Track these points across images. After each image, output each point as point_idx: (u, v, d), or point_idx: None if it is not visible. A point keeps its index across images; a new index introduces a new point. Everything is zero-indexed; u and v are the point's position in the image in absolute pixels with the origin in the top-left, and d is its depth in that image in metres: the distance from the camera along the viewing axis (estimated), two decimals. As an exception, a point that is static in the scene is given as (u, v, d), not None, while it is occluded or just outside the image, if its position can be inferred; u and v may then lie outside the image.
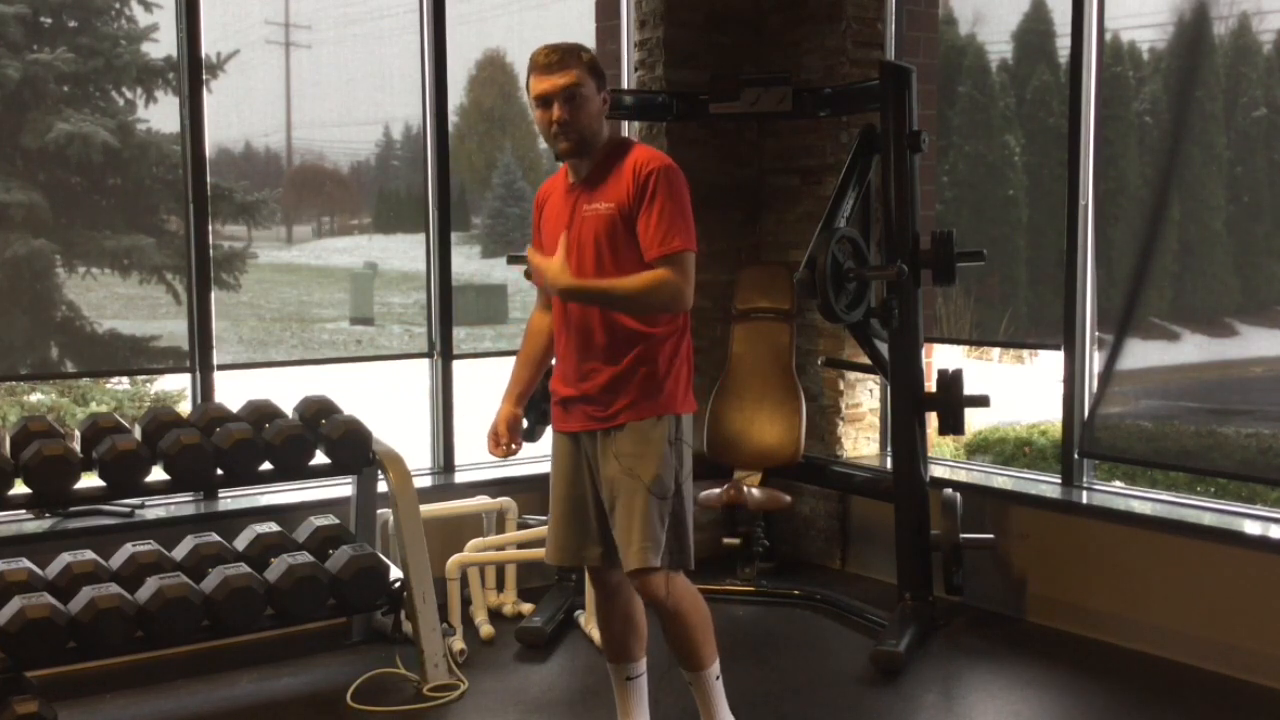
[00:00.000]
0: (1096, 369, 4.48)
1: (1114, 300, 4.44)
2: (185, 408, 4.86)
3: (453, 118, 5.00)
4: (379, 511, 4.26)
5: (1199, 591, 4.02)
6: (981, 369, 9.51)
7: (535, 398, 4.49)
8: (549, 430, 4.58)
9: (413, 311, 5.60)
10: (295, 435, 3.85)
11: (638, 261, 2.78)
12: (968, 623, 4.49)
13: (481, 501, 4.65)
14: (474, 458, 5.12)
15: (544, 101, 2.79)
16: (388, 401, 6.37)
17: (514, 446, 3.17)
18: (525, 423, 4.47)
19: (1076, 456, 4.53)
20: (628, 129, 5.17)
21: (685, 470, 2.92)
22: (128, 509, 4.17)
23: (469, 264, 6.41)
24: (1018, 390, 8.31)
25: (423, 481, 4.76)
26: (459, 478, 4.91)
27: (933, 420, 4.37)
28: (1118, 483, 4.82)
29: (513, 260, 4.65)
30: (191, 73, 4.41)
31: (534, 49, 2.83)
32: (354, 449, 3.93)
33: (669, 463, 2.87)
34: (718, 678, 3.07)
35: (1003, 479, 5.01)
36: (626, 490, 2.84)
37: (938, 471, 4.85)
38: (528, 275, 4.49)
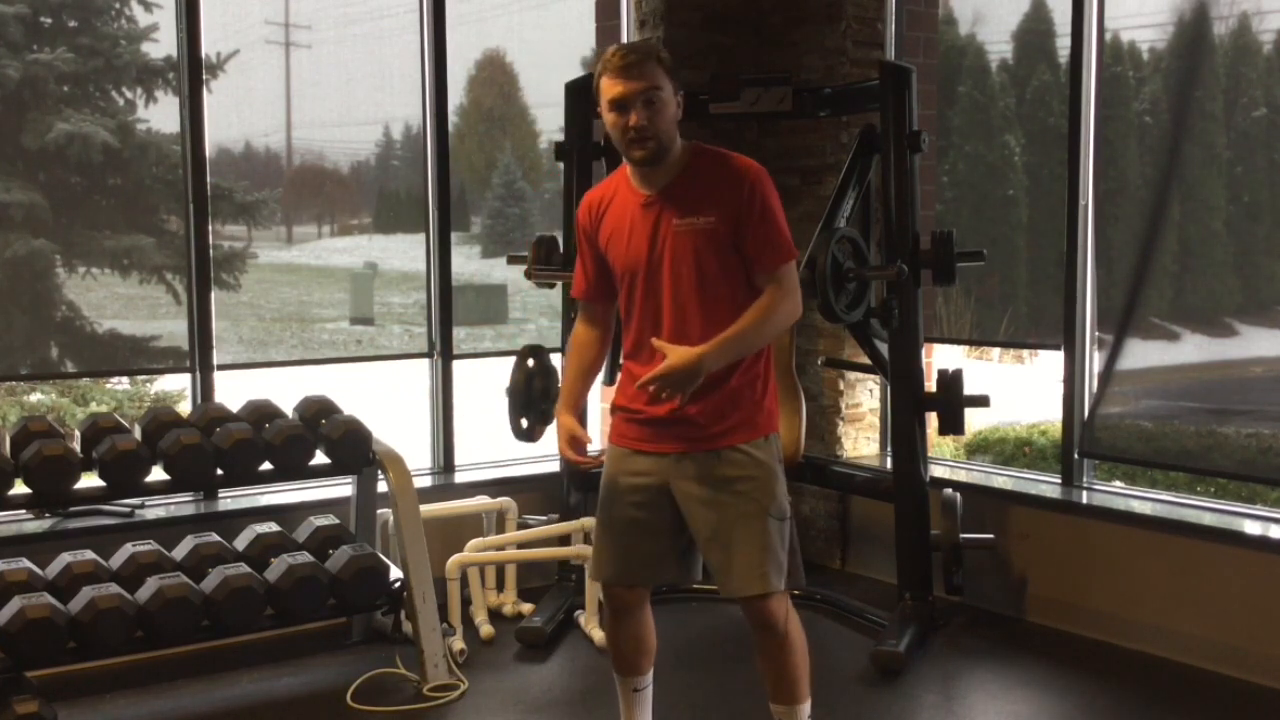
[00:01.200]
0: (1096, 369, 4.48)
1: (1114, 300, 4.44)
2: (185, 408, 4.85)
3: (453, 118, 5.01)
4: (379, 511, 4.26)
5: (1199, 591, 4.02)
6: (981, 369, 9.51)
7: (534, 398, 4.52)
8: (546, 430, 4.62)
9: (413, 311, 5.61)
10: (295, 435, 3.84)
11: (741, 272, 2.68)
12: (968, 623, 4.49)
13: (481, 501, 4.65)
14: (474, 458, 5.13)
15: (620, 105, 2.63)
16: (388, 401, 6.37)
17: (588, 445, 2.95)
18: (525, 423, 4.51)
19: (1076, 456, 4.53)
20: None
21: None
22: (128, 509, 4.17)
23: (469, 264, 6.42)
24: (1018, 390, 8.31)
25: (423, 481, 4.76)
26: (459, 478, 4.91)
27: (933, 420, 4.37)
28: (1118, 483, 4.82)
29: (513, 260, 4.64)
30: (191, 73, 4.41)
31: (608, 50, 2.68)
32: (354, 449, 3.93)
33: (783, 483, 2.77)
34: (810, 718, 2.89)
35: (1003, 479, 5.01)
36: (744, 515, 2.71)
37: (938, 471, 4.85)
38: (528, 275, 4.51)
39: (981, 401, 4.28)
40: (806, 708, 2.86)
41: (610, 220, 2.78)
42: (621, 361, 2.89)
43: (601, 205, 2.81)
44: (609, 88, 2.64)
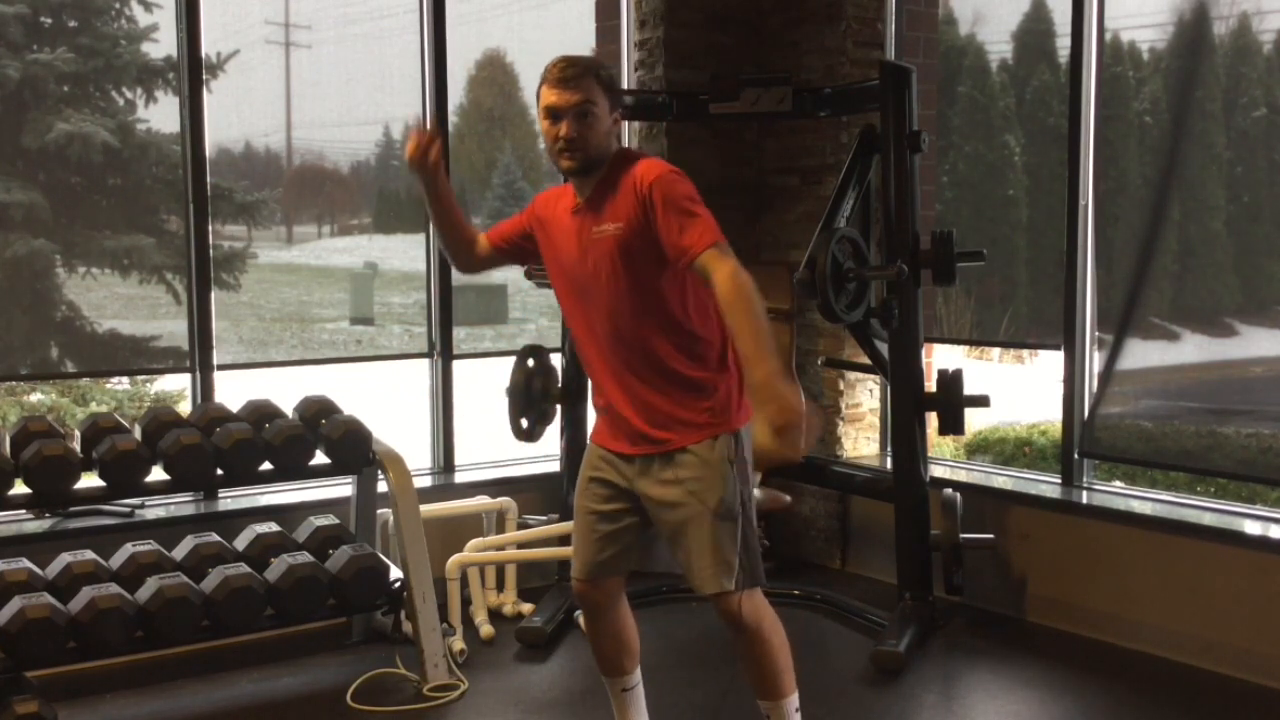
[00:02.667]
0: (1096, 369, 4.48)
1: (1114, 300, 4.44)
2: (185, 408, 4.86)
3: (453, 118, 5.01)
4: (379, 511, 4.26)
5: (1199, 591, 4.02)
6: (981, 369, 9.50)
7: (535, 397, 4.52)
8: (545, 430, 4.62)
9: (413, 311, 5.61)
10: (295, 435, 3.84)
11: (654, 275, 2.67)
12: (968, 623, 4.49)
13: (481, 501, 4.65)
14: (474, 458, 5.13)
15: (553, 115, 2.69)
16: (388, 401, 6.37)
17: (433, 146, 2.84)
18: (525, 423, 4.51)
19: (1076, 456, 4.53)
20: (628, 129, 5.17)
21: (749, 486, 2.79)
22: (128, 509, 4.17)
23: (469, 264, 6.40)
24: (1018, 390, 8.30)
25: (423, 481, 4.75)
26: (459, 478, 4.91)
27: (933, 420, 4.37)
28: (1118, 483, 4.82)
29: (513, 260, 4.63)
30: (191, 73, 4.41)
31: (549, 59, 2.73)
32: (354, 449, 3.93)
33: (732, 484, 2.72)
34: (797, 710, 2.87)
35: (1003, 479, 5.01)
36: (693, 515, 2.72)
37: (938, 471, 4.85)
38: (528, 275, 4.50)
39: (981, 401, 4.28)
40: (792, 701, 2.87)
41: (554, 225, 2.85)
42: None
43: (550, 206, 2.89)
44: (545, 96, 2.71)
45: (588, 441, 2.98)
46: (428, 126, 2.77)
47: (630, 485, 2.83)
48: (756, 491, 4.67)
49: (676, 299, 2.71)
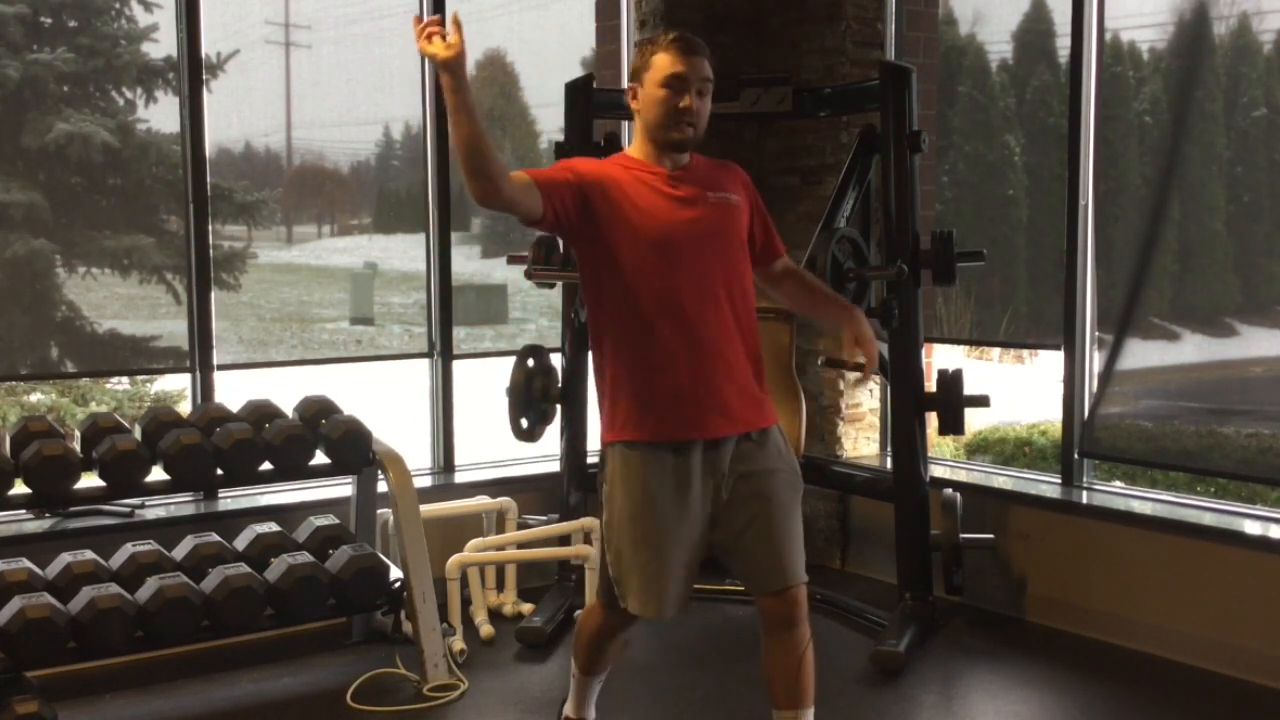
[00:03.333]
0: (1096, 369, 4.48)
1: (1114, 300, 4.44)
2: (185, 408, 4.85)
3: (453, 118, 5.00)
4: (379, 511, 4.26)
5: (1199, 591, 4.02)
6: (981, 369, 9.51)
7: (534, 398, 4.52)
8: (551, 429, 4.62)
9: (413, 311, 5.61)
10: (295, 435, 3.85)
11: (743, 251, 2.78)
12: (968, 623, 4.49)
13: (481, 501, 4.65)
14: (474, 458, 5.13)
15: (680, 83, 2.63)
16: (388, 401, 6.37)
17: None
18: (525, 423, 4.51)
19: (1076, 456, 4.53)
20: (628, 129, 5.17)
21: None
22: (128, 509, 4.17)
23: (469, 264, 6.42)
24: (1018, 390, 8.31)
25: (423, 481, 4.75)
26: (459, 478, 4.91)
27: (933, 420, 4.37)
28: (1118, 483, 4.82)
29: (513, 260, 4.64)
30: (191, 73, 4.41)
31: (659, 32, 2.74)
32: (354, 449, 3.93)
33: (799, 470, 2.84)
34: None
35: (1003, 479, 5.01)
36: (789, 500, 2.71)
37: (938, 471, 4.85)
38: (528, 275, 4.50)
39: (981, 401, 4.28)
40: (812, 712, 2.79)
41: (629, 185, 2.65)
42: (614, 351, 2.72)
43: (612, 170, 2.69)
44: (673, 64, 2.63)
45: (628, 454, 2.69)
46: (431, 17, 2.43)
47: (715, 474, 2.66)
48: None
49: (750, 284, 2.79)
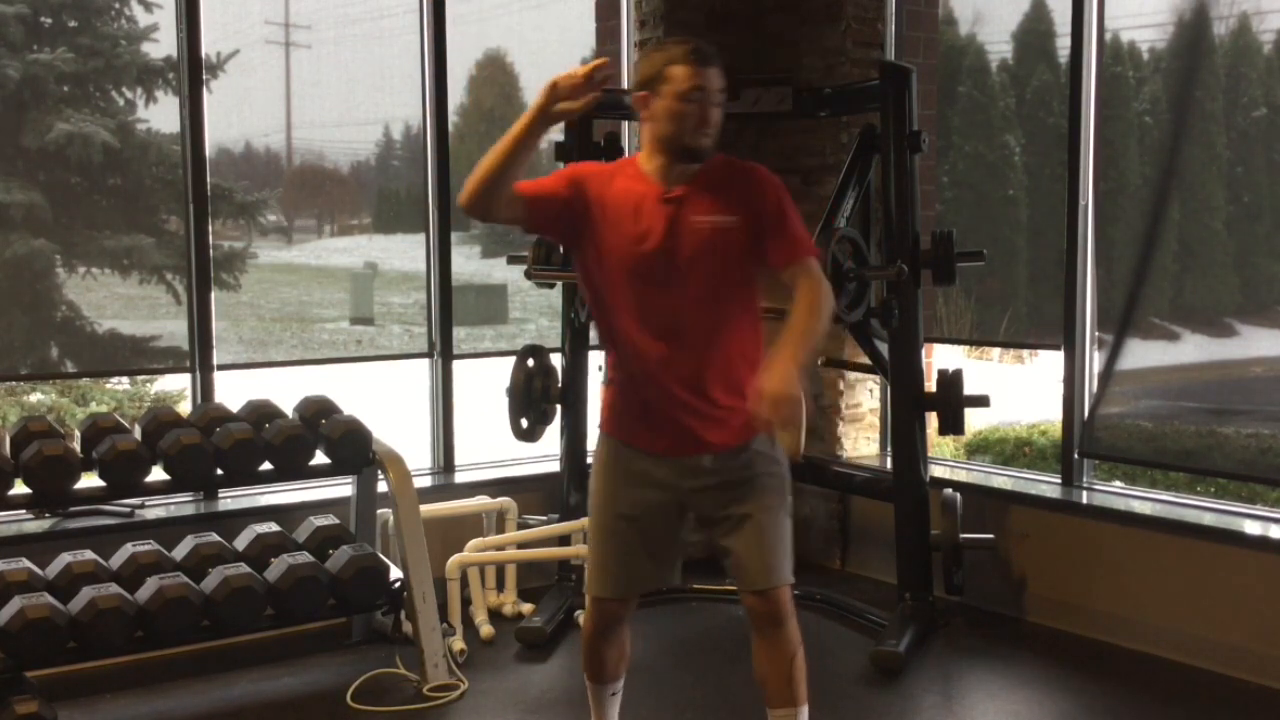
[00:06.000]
0: (1096, 369, 4.48)
1: (1114, 300, 4.44)
2: (185, 408, 4.86)
3: (453, 118, 5.00)
4: (379, 511, 4.26)
5: (1199, 591, 4.02)
6: (981, 369, 9.50)
7: (534, 398, 4.52)
8: (548, 429, 4.62)
9: (413, 311, 5.61)
10: (295, 435, 3.85)
11: (744, 274, 2.68)
12: (968, 623, 4.49)
13: (481, 501, 4.65)
14: (474, 458, 5.13)
15: (700, 95, 2.61)
16: (388, 401, 6.37)
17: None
18: (525, 423, 4.51)
19: (1076, 456, 4.53)
20: (628, 129, 5.17)
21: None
22: (128, 509, 4.17)
23: (469, 264, 6.42)
24: (1018, 390, 8.31)
25: (423, 481, 4.75)
26: (459, 478, 4.91)
27: (933, 420, 4.37)
28: (1118, 483, 4.82)
29: (513, 260, 4.64)
30: (191, 73, 4.41)
31: (674, 42, 2.66)
32: (354, 449, 3.93)
33: (788, 475, 2.80)
34: None
35: (1003, 479, 5.01)
36: (765, 506, 2.72)
37: (938, 471, 4.85)
38: (528, 275, 4.50)
39: (981, 401, 4.28)
40: (805, 712, 2.82)
41: (611, 204, 2.67)
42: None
43: (604, 184, 2.71)
44: (692, 76, 2.61)
45: (607, 444, 2.82)
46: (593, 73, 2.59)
47: (675, 488, 2.74)
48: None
49: (749, 295, 2.73)
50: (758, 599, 2.75)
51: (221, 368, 4.51)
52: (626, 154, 4.65)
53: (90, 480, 3.66)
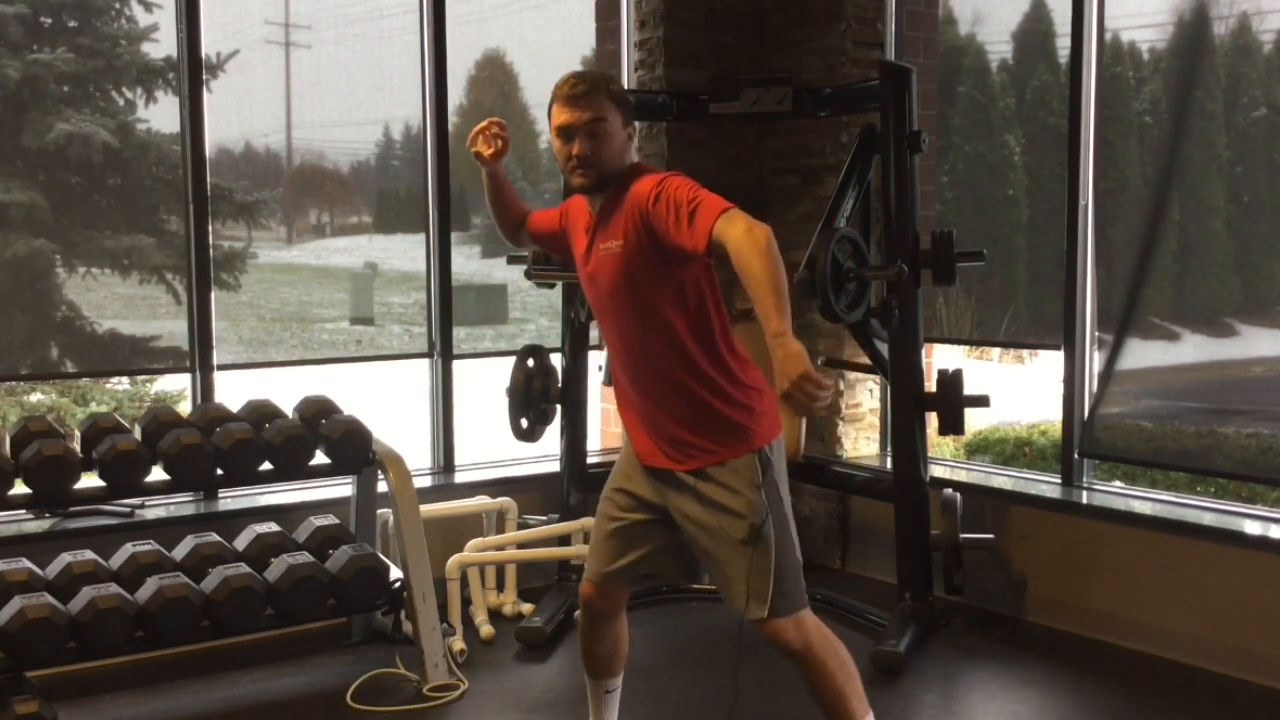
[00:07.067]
0: (1096, 369, 4.48)
1: (1114, 300, 4.44)
2: (185, 408, 4.86)
3: (453, 118, 5.00)
4: (379, 511, 4.26)
5: (1199, 591, 4.02)
6: (981, 369, 9.51)
7: (534, 398, 4.52)
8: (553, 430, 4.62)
9: (413, 311, 5.60)
10: (295, 435, 3.85)
11: (658, 297, 2.60)
12: (968, 623, 4.49)
13: (481, 501, 4.65)
14: (474, 458, 5.13)
15: (565, 134, 2.64)
16: (388, 401, 6.37)
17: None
18: (525, 423, 4.51)
19: (1076, 456, 4.53)
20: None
21: (783, 506, 2.67)
22: (128, 509, 4.17)
23: (469, 264, 6.41)
24: (1018, 390, 8.31)
25: (423, 481, 4.76)
26: (459, 478, 4.91)
27: (933, 420, 4.37)
28: (1118, 483, 4.82)
29: (513, 260, 4.64)
30: (191, 73, 4.41)
31: (550, 60, 2.74)
32: (354, 449, 3.93)
33: (760, 507, 2.60)
34: None
35: (1003, 479, 5.01)
36: (721, 541, 2.64)
37: (938, 471, 4.85)
38: (528, 275, 4.51)
39: (981, 401, 4.28)
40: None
41: (573, 236, 2.84)
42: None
43: (575, 218, 2.83)
44: (556, 114, 2.67)
45: (624, 442, 2.91)
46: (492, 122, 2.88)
47: (660, 498, 2.77)
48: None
49: (681, 321, 2.62)
50: (758, 628, 2.71)
51: (221, 368, 4.51)
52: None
53: (90, 480, 3.66)
